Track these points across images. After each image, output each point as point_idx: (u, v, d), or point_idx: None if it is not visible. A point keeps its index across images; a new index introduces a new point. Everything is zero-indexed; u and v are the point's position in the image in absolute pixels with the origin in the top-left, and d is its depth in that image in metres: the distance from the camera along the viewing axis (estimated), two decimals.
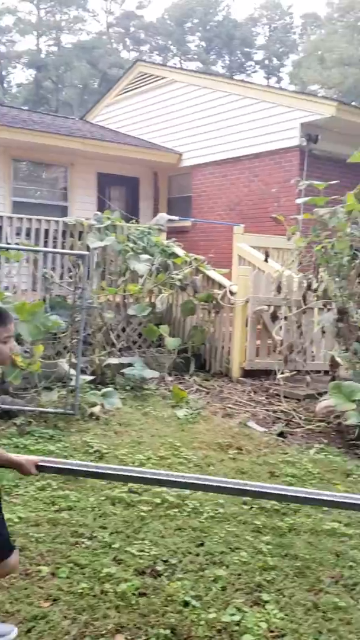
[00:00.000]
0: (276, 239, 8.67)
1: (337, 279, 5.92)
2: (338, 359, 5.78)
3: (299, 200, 6.30)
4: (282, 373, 6.48)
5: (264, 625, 2.51)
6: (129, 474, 2.50)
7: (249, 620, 2.52)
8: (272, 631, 2.50)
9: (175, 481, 2.44)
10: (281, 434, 5.28)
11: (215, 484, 2.34)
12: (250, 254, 8.48)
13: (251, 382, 6.96)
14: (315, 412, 5.82)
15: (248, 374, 7.18)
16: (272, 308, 7.02)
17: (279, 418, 5.78)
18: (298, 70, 40.91)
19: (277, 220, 6.33)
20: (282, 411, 5.97)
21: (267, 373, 7.10)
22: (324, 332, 6.66)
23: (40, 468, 2.27)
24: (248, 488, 2.36)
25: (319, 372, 7.07)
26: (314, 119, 9.74)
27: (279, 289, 6.82)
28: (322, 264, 5.92)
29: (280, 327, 7.05)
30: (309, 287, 6.49)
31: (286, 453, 4.76)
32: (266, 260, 7.41)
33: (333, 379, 5.85)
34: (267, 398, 6.46)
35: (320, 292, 6.24)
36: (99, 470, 2.46)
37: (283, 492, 2.44)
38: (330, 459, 4.69)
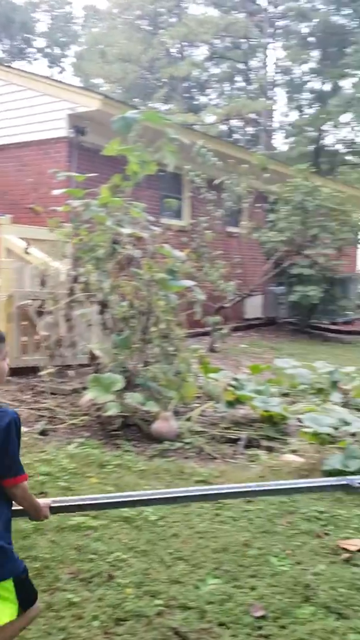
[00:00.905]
0: (45, 230, 8.47)
1: (97, 272, 5.95)
2: (96, 352, 5.83)
3: (56, 192, 6.19)
4: (46, 369, 6.35)
5: None
6: (145, 497, 2.77)
7: None
8: None
9: (188, 495, 2.91)
10: (43, 432, 5.16)
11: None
12: (18, 246, 8.16)
13: (17, 381, 6.73)
14: (80, 406, 5.81)
15: (15, 372, 6.90)
16: (38, 302, 6.85)
17: (43, 416, 5.65)
18: (80, 62, 40.73)
19: (34, 210, 6.16)
20: (47, 408, 5.85)
21: (36, 370, 6.90)
22: (89, 325, 6.68)
23: (53, 510, 2.23)
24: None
25: (89, 365, 7.08)
26: (80, 111, 9.74)
27: (43, 282, 6.67)
28: (81, 257, 5.90)
29: (57, 322, 6.90)
30: (75, 279, 6.44)
31: (44, 451, 4.64)
32: (27, 252, 7.19)
33: (97, 371, 5.89)
34: (33, 396, 6.29)
35: (83, 285, 6.23)
36: (119, 500, 2.71)
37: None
38: (89, 452, 4.68)
